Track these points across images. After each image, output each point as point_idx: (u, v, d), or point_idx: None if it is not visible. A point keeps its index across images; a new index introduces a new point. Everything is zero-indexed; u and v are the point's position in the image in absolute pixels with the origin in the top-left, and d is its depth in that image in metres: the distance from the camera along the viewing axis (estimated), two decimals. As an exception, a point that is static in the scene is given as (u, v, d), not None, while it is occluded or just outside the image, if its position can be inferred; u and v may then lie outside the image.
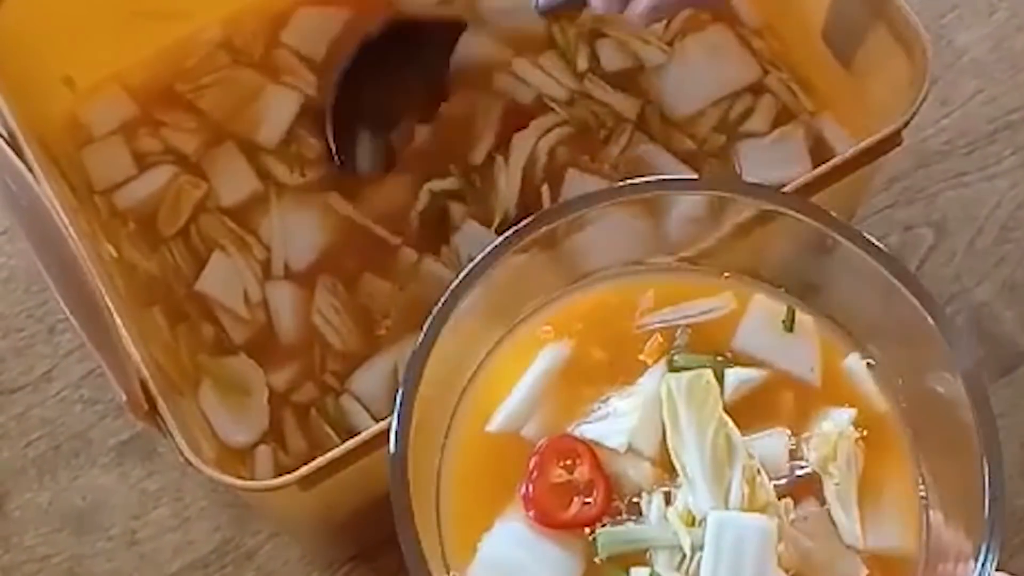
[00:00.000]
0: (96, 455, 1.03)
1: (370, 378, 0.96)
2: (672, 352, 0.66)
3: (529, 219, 0.66)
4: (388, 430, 0.77)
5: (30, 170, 0.80)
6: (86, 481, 1.02)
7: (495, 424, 0.65)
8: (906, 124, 0.83)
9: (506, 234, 0.66)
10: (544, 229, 0.66)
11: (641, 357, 0.66)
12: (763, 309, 0.68)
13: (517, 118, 1.04)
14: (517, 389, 0.65)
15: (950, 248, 1.08)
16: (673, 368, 0.65)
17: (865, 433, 0.64)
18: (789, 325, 0.67)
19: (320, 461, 0.77)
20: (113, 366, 0.75)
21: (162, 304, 0.99)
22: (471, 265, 0.65)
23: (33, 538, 1.00)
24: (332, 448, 0.78)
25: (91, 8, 1.00)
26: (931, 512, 0.62)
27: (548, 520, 0.61)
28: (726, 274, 0.69)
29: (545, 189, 1.01)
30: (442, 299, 0.64)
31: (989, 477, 0.58)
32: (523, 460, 0.63)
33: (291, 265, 1.01)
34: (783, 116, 1.04)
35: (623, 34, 1.07)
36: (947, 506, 0.61)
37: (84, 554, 1.00)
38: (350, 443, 0.77)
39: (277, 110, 1.06)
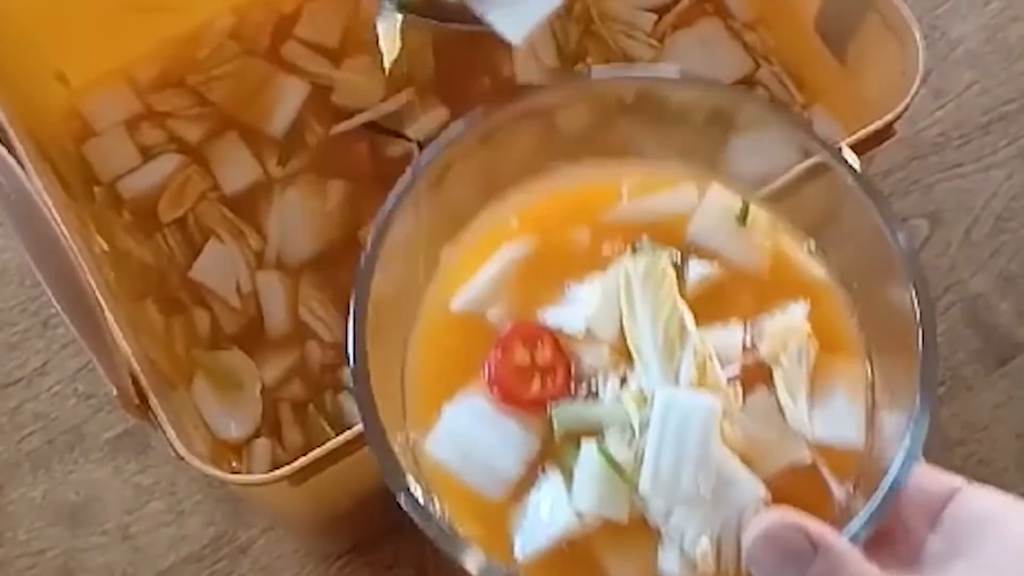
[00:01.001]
0: (90, 449, 1.02)
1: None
2: (634, 242, 0.66)
3: (492, 105, 0.66)
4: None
5: (21, 166, 0.80)
6: (80, 475, 1.02)
7: (459, 303, 0.65)
8: (900, 116, 0.83)
9: (466, 118, 0.65)
10: (507, 116, 0.66)
11: (605, 249, 0.66)
12: (718, 202, 0.69)
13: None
14: (482, 273, 0.66)
15: (945, 239, 1.07)
16: (634, 254, 0.66)
17: (817, 329, 0.65)
18: (743, 219, 0.68)
19: (311, 456, 0.77)
20: (104, 361, 0.75)
21: (155, 295, 0.99)
22: (426, 154, 0.64)
23: (27, 532, 1.00)
24: (325, 439, 0.77)
25: (85, 4, 1.00)
26: (877, 410, 0.63)
27: (510, 399, 0.62)
28: (688, 168, 0.70)
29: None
30: (404, 179, 0.64)
31: (922, 376, 0.59)
32: (487, 343, 0.63)
33: (284, 256, 1.01)
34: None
35: (611, 30, 1.07)
36: (893, 406, 0.62)
37: (78, 548, 1.00)
38: (340, 438, 0.77)
39: (286, 100, 1.06)
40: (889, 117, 0.82)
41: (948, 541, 0.57)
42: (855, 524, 0.56)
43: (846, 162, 0.64)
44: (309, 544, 0.99)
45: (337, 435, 0.78)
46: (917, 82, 0.83)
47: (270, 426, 0.96)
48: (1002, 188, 1.09)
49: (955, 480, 0.58)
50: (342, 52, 1.08)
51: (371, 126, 1.05)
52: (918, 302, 0.60)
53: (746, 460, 0.60)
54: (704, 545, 0.58)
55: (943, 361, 1.04)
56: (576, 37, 1.07)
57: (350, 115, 1.06)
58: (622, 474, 0.59)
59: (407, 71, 1.06)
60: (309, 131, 1.05)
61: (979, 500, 0.57)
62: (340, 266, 1.01)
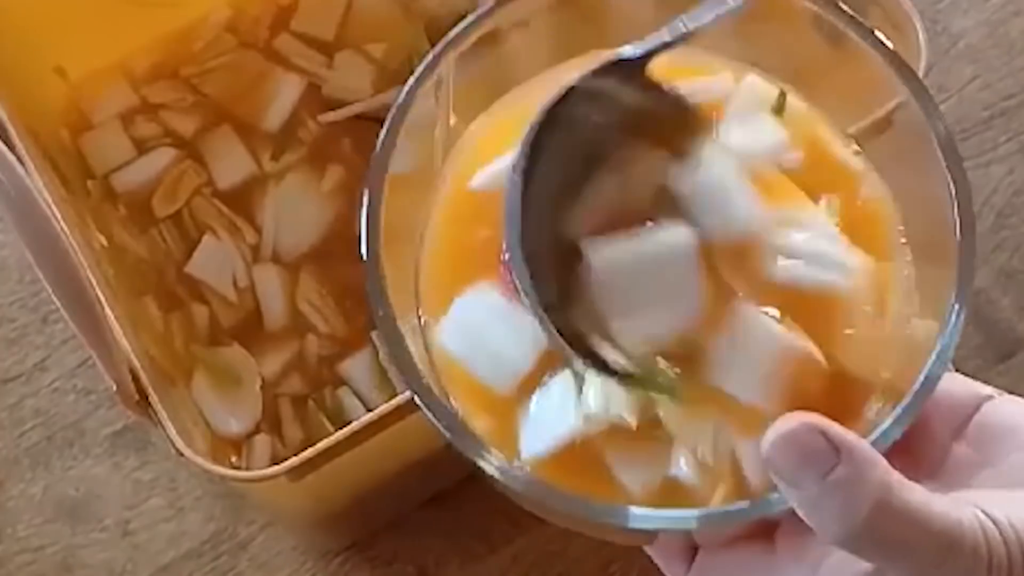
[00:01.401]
0: (90, 445, 1.02)
1: (363, 368, 0.96)
2: None
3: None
4: (378, 420, 0.77)
5: (20, 161, 0.80)
6: (79, 471, 1.02)
7: (479, 181, 0.63)
8: (896, 108, 0.82)
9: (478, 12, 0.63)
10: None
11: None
12: (753, 90, 0.67)
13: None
14: (506, 153, 0.64)
15: (946, 235, 1.07)
16: None
17: (852, 225, 0.63)
18: (779, 109, 0.66)
19: (310, 452, 0.77)
20: (103, 357, 0.74)
21: (154, 292, 0.99)
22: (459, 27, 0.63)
23: (26, 529, 1.00)
24: (326, 435, 0.77)
25: (83, -2, 1.00)
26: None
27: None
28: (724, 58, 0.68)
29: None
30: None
31: (960, 272, 0.57)
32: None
33: (280, 250, 1.01)
34: (774, 103, 1.03)
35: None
36: (925, 313, 0.60)
37: (77, 544, 1.00)
38: (340, 434, 0.77)
39: (282, 93, 1.06)
40: (889, 106, 0.82)
41: (974, 449, 0.55)
42: (883, 425, 0.54)
43: (882, 44, 0.62)
44: (309, 540, 0.99)
45: (337, 431, 0.78)
46: (920, 73, 0.82)
47: (270, 422, 0.95)
48: (1003, 184, 1.09)
49: (985, 389, 0.57)
50: (337, 45, 1.08)
51: (363, 116, 1.05)
52: (957, 196, 0.57)
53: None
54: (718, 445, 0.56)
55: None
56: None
57: (342, 107, 1.05)
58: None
59: (403, 63, 1.07)
60: (303, 125, 1.05)
61: (1009, 408, 0.56)
62: (336, 258, 1.00)
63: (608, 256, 0.56)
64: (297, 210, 1.02)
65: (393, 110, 0.60)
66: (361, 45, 1.08)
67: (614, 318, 0.56)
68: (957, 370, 0.99)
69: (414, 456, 0.87)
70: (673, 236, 0.57)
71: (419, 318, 0.60)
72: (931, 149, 0.60)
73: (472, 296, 0.60)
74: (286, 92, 1.06)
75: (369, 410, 0.88)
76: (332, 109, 1.05)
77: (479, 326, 0.59)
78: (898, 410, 0.54)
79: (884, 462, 0.50)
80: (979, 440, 0.56)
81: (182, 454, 0.76)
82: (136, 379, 0.77)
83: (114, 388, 0.76)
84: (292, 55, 1.07)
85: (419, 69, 0.60)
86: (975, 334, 1.04)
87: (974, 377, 1.01)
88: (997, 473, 0.54)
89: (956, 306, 0.55)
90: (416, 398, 0.56)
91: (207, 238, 1.00)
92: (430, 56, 0.61)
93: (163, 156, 1.04)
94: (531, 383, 0.58)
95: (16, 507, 1.01)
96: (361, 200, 0.58)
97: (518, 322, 0.58)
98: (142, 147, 1.04)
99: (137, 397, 0.77)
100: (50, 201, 0.79)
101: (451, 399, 0.58)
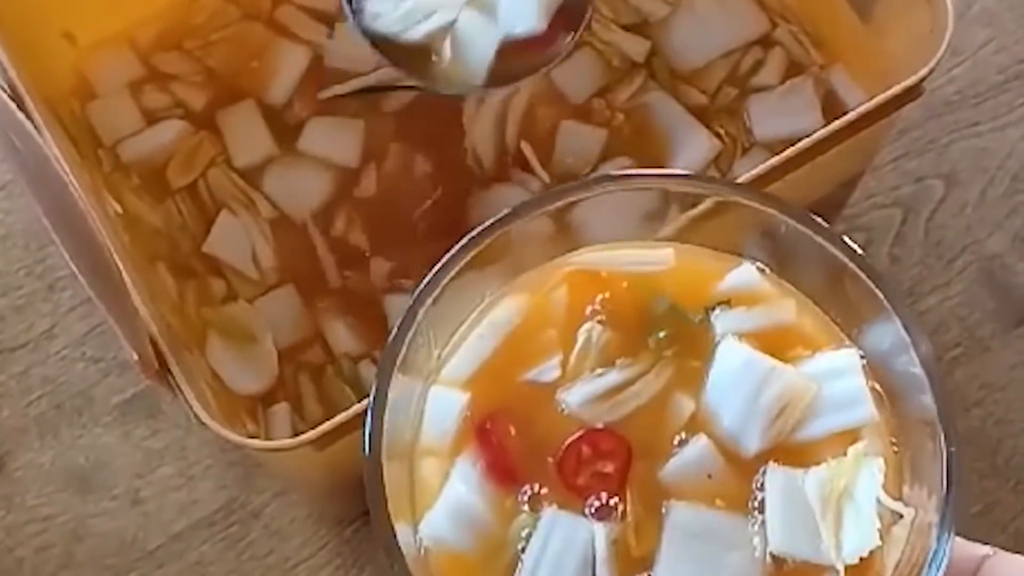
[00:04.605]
0: (99, 414, 1.02)
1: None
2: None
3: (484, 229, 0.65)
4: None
5: (34, 126, 0.79)
6: (89, 440, 1.01)
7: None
8: (929, 74, 0.82)
9: (459, 247, 0.65)
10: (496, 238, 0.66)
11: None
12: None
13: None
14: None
15: (961, 199, 1.07)
16: None
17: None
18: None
19: (335, 421, 0.76)
20: (123, 325, 0.73)
21: (167, 261, 0.98)
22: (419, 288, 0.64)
23: (36, 498, 0.99)
24: (348, 407, 0.77)
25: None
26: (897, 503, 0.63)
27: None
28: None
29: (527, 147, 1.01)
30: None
31: (947, 461, 0.58)
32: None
33: (296, 222, 1.00)
34: (793, 69, 1.03)
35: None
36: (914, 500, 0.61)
37: (88, 513, 0.99)
38: (365, 402, 0.76)
39: (287, 66, 1.04)
40: (917, 76, 0.81)
41: None
42: None
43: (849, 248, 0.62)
44: (321, 509, 0.98)
45: (359, 400, 0.77)
46: (946, 40, 0.82)
47: (287, 390, 0.95)
48: (1018, 147, 1.08)
49: (983, 549, 0.58)
50: (338, 15, 1.06)
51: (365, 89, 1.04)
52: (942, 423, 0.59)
53: None
54: None
55: (960, 321, 1.04)
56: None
57: (346, 79, 1.04)
58: None
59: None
60: (310, 98, 1.04)
61: (1009, 568, 0.57)
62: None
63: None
64: (311, 182, 1.01)
65: (385, 348, 0.61)
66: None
67: None
68: (974, 335, 1.00)
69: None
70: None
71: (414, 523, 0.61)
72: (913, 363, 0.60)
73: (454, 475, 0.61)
74: (291, 64, 1.04)
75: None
76: (336, 79, 1.04)
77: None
78: None
79: None
80: None
81: (206, 425, 0.75)
82: (155, 346, 0.76)
83: (134, 356, 0.74)
84: (294, 26, 1.06)
85: (399, 319, 0.61)
86: (990, 299, 1.04)
87: (991, 342, 1.02)
88: None
89: (946, 517, 0.57)
90: None
91: (224, 215, 0.99)
92: (409, 303, 0.62)
93: (173, 127, 1.02)
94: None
95: (25, 477, 1.00)
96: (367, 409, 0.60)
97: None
98: (151, 117, 1.03)
99: (157, 366, 0.76)
100: (66, 168, 0.78)
101: None
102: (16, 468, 1.00)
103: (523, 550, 0.59)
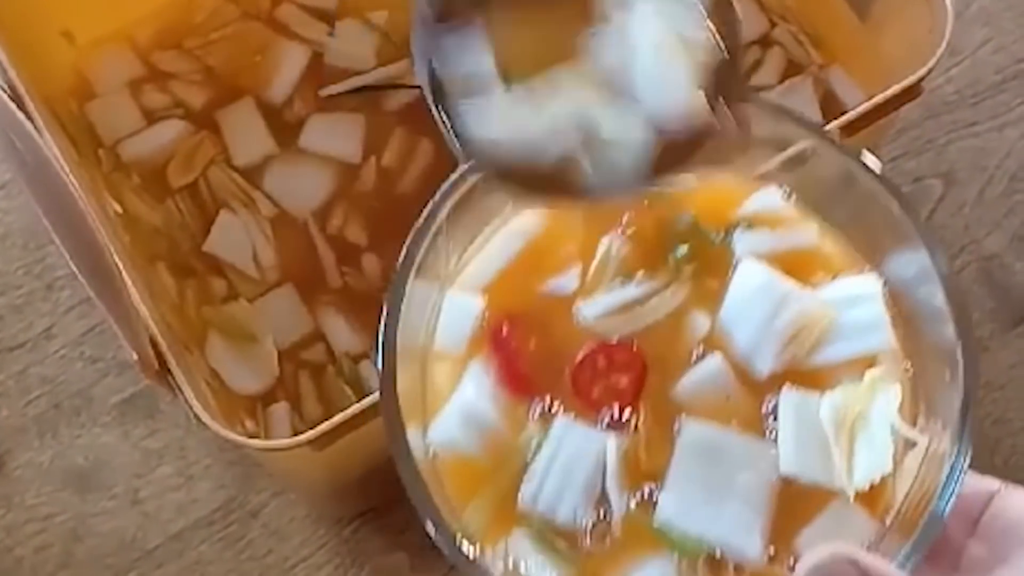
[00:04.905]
0: (97, 413, 1.01)
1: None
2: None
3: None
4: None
5: (33, 125, 0.79)
6: (88, 440, 1.01)
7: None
8: (928, 74, 0.82)
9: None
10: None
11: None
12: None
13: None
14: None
15: (959, 199, 1.07)
16: None
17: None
18: None
19: (334, 421, 0.76)
20: (123, 324, 0.73)
21: (167, 260, 0.98)
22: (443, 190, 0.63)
23: (35, 497, 0.99)
24: (347, 407, 0.77)
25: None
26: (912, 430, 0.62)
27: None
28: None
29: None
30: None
31: (963, 404, 0.58)
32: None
33: (296, 220, 1.00)
34: (792, 69, 1.03)
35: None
36: (929, 427, 0.61)
37: (87, 513, 0.99)
38: (365, 402, 0.77)
39: (287, 65, 1.04)
40: (920, 72, 0.81)
41: (988, 546, 0.57)
42: (904, 554, 0.56)
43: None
44: (320, 508, 0.98)
45: (358, 400, 0.77)
46: (945, 40, 0.82)
47: (287, 389, 0.95)
48: (1016, 147, 1.08)
49: (992, 484, 0.58)
50: (338, 13, 1.07)
51: (366, 87, 1.04)
52: (961, 338, 0.59)
53: None
54: None
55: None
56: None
57: (346, 78, 1.04)
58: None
59: (407, 31, 1.05)
60: (310, 96, 1.04)
61: (1018, 503, 0.57)
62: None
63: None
64: (311, 180, 1.01)
65: (404, 250, 0.61)
66: (363, 13, 1.07)
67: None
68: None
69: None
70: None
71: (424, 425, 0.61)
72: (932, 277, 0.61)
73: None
74: (291, 63, 1.05)
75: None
76: (335, 78, 1.04)
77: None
78: (913, 541, 0.56)
79: None
80: (991, 536, 0.57)
81: (207, 425, 0.75)
82: (155, 347, 0.76)
83: (134, 356, 0.74)
84: (294, 24, 1.06)
85: (420, 219, 0.62)
86: (989, 298, 1.04)
87: (989, 342, 1.02)
88: (1012, 569, 0.55)
89: (962, 434, 0.57)
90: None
91: (224, 214, 1.00)
92: (430, 205, 0.62)
93: (173, 127, 1.03)
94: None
95: (24, 476, 1.00)
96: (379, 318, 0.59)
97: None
98: (151, 117, 1.03)
99: (157, 366, 0.76)
100: (65, 167, 0.78)
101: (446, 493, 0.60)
102: (15, 467, 1.00)
103: (533, 459, 0.59)
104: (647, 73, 0.56)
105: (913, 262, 0.61)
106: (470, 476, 0.60)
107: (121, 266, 0.76)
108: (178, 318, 0.94)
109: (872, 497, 0.58)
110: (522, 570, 0.59)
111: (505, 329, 0.61)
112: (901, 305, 0.62)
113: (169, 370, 0.77)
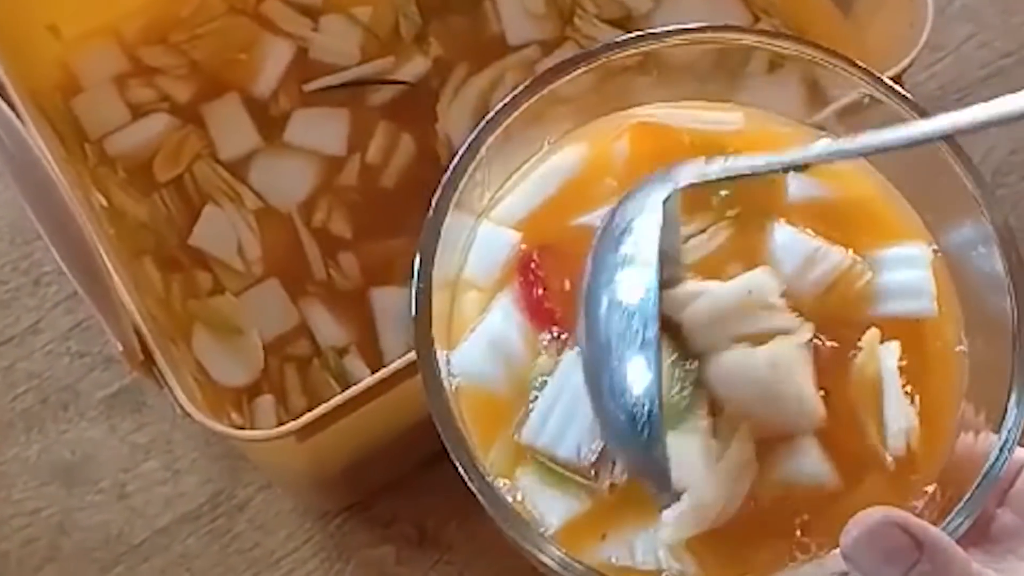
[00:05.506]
0: (85, 408, 1.01)
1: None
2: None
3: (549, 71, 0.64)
4: (389, 377, 0.77)
5: (19, 119, 0.79)
6: (74, 434, 1.01)
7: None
8: (909, 66, 0.82)
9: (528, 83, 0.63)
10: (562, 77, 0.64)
11: None
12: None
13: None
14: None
15: (943, 194, 1.07)
16: None
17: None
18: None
19: (317, 411, 0.77)
20: (109, 317, 0.74)
21: (153, 254, 0.98)
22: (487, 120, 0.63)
23: (22, 492, 0.99)
24: (331, 398, 0.77)
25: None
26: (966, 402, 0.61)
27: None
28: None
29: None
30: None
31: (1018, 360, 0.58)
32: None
33: (281, 213, 1.00)
34: (776, 63, 1.03)
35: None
36: (982, 398, 0.61)
37: (74, 507, 0.99)
38: (347, 393, 0.77)
39: (272, 59, 1.05)
40: (902, 65, 0.82)
41: (1018, 515, 0.57)
42: (954, 521, 0.55)
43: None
44: (307, 502, 0.99)
45: (342, 391, 0.77)
46: (925, 34, 0.83)
47: (272, 382, 0.95)
48: (1000, 142, 1.08)
49: (1022, 455, 0.58)
50: (323, 8, 1.07)
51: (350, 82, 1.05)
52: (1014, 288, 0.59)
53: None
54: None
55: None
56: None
57: (331, 73, 1.05)
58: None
59: (391, 26, 1.06)
60: (295, 90, 1.04)
61: None
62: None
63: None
64: (297, 175, 1.02)
65: (445, 180, 0.61)
66: (347, 8, 1.08)
67: None
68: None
69: (419, 416, 0.86)
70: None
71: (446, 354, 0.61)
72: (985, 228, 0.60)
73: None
74: (276, 58, 1.05)
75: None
76: (321, 73, 1.05)
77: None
78: (963, 503, 0.55)
79: (962, 554, 0.52)
80: (1021, 506, 0.57)
81: (189, 415, 0.75)
82: (141, 339, 0.77)
83: (119, 349, 0.75)
84: (279, 19, 1.06)
85: (462, 149, 0.61)
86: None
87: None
88: None
89: (1018, 395, 0.57)
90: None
91: (209, 207, 1.00)
92: (473, 136, 0.62)
93: (158, 121, 1.03)
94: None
95: (11, 471, 1.00)
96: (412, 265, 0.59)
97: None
98: (137, 111, 1.03)
99: (142, 358, 0.76)
100: (51, 160, 0.78)
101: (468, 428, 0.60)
102: (2, 462, 1.00)
103: (539, 392, 0.59)
104: None
105: (975, 232, 0.61)
106: (489, 408, 0.60)
107: (107, 260, 0.76)
108: (164, 311, 0.95)
109: (912, 463, 0.58)
110: (528, 505, 0.59)
111: (535, 258, 0.61)
112: (955, 271, 0.62)
113: (155, 362, 0.77)
